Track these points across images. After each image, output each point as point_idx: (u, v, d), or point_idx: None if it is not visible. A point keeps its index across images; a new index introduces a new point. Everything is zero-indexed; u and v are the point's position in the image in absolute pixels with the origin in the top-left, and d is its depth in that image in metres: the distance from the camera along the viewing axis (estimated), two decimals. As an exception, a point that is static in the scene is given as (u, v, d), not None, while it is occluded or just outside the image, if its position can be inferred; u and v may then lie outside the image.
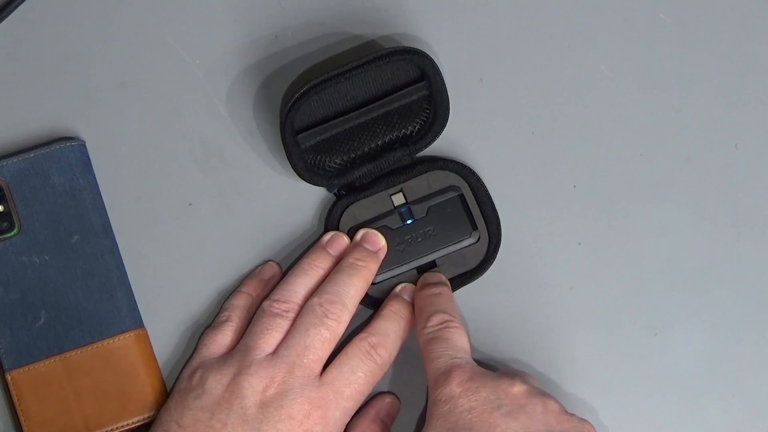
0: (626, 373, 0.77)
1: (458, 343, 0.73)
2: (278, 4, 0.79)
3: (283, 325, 0.74)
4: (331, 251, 0.76)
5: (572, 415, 0.71)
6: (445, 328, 0.73)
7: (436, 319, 0.73)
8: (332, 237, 0.77)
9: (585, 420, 0.71)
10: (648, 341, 0.77)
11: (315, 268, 0.76)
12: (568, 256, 0.78)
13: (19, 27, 0.78)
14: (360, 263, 0.75)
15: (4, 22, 0.78)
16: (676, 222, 0.78)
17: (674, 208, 0.78)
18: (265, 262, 0.77)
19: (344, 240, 0.77)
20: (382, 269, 0.76)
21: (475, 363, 0.72)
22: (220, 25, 0.79)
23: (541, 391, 0.72)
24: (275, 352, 0.73)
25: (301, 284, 0.75)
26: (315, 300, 0.74)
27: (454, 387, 0.70)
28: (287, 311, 0.74)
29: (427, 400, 0.73)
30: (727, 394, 0.77)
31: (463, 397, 0.70)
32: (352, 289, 0.74)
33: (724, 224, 0.78)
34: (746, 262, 0.78)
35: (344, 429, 0.75)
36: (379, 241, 0.76)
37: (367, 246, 0.76)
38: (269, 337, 0.73)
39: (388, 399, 0.76)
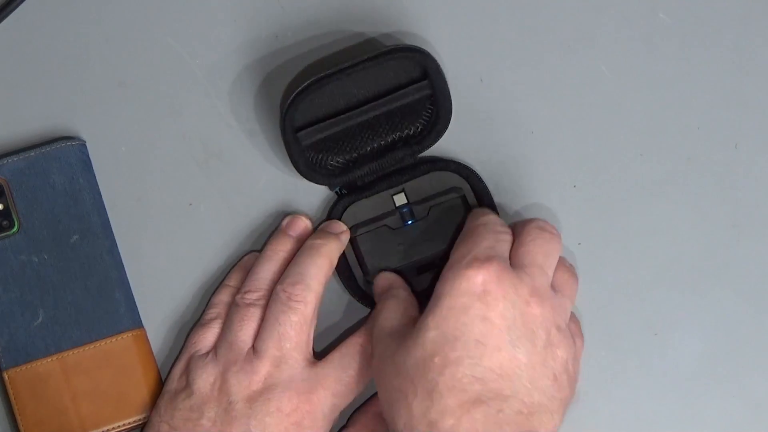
0: (626, 373, 0.77)
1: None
2: (278, 4, 0.79)
3: (256, 314, 0.73)
4: (291, 233, 0.76)
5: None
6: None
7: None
8: (291, 219, 0.77)
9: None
10: (648, 341, 0.77)
11: (278, 252, 0.76)
12: (568, 256, 0.77)
13: (19, 27, 0.78)
14: (319, 242, 0.75)
15: (4, 22, 0.78)
16: (676, 222, 0.78)
17: (674, 208, 0.78)
18: (247, 253, 0.77)
19: (303, 221, 0.76)
20: (381, 269, 0.76)
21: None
22: (220, 24, 0.79)
23: (563, 324, 0.70)
24: (254, 346, 0.73)
25: (267, 271, 0.75)
26: (278, 287, 0.73)
27: (479, 282, 0.68)
28: (258, 299, 0.74)
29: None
30: (727, 394, 0.77)
31: (481, 301, 0.68)
32: (314, 268, 0.74)
33: (724, 224, 0.78)
34: (746, 262, 0.78)
35: (344, 425, 0.75)
36: (340, 227, 0.76)
37: (327, 230, 0.76)
38: (247, 327, 0.73)
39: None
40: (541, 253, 0.71)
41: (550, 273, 0.71)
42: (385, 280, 0.75)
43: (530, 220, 0.73)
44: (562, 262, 0.73)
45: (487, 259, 0.69)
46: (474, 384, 0.66)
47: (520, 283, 0.69)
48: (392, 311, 0.73)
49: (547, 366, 0.68)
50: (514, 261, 0.70)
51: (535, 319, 0.68)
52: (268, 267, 0.75)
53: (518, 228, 0.72)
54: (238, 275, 0.76)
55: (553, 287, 0.71)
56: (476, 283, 0.68)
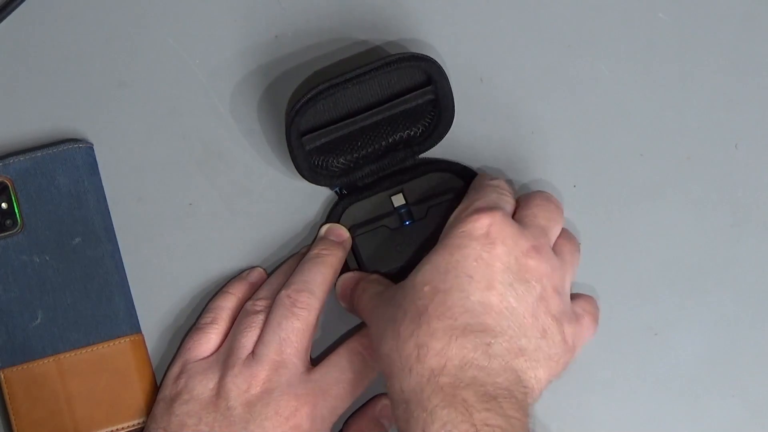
0: (626, 373, 0.77)
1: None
2: (279, 5, 0.79)
3: (262, 320, 0.73)
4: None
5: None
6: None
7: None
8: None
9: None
10: (648, 341, 0.77)
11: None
12: (567, 256, 0.77)
13: (19, 27, 0.78)
14: (325, 252, 0.75)
15: (5, 22, 0.78)
16: (676, 222, 0.78)
17: (674, 208, 0.78)
18: (253, 268, 0.77)
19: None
20: (379, 269, 0.76)
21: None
22: (220, 25, 0.79)
23: (562, 289, 0.70)
24: (254, 350, 0.72)
25: (281, 282, 0.75)
26: (283, 292, 0.74)
27: (480, 226, 0.68)
28: (267, 307, 0.74)
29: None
30: (727, 394, 0.77)
31: (479, 243, 0.68)
32: (319, 276, 0.74)
33: (724, 224, 0.78)
34: (746, 262, 0.78)
35: (341, 428, 0.75)
36: (342, 234, 0.76)
37: (332, 238, 0.76)
38: (251, 334, 0.73)
39: (385, 401, 0.76)
40: (545, 218, 0.71)
41: (552, 237, 0.71)
42: (349, 279, 0.76)
43: (536, 191, 0.73)
44: (564, 232, 0.73)
45: (491, 208, 0.69)
46: (463, 314, 0.66)
47: (521, 236, 0.69)
48: (375, 284, 0.74)
49: (538, 318, 0.68)
50: (516, 221, 0.71)
51: (532, 270, 0.68)
52: (283, 280, 0.75)
53: (523, 196, 0.73)
54: (239, 285, 0.76)
55: (554, 251, 0.71)
56: (477, 227, 0.68)
